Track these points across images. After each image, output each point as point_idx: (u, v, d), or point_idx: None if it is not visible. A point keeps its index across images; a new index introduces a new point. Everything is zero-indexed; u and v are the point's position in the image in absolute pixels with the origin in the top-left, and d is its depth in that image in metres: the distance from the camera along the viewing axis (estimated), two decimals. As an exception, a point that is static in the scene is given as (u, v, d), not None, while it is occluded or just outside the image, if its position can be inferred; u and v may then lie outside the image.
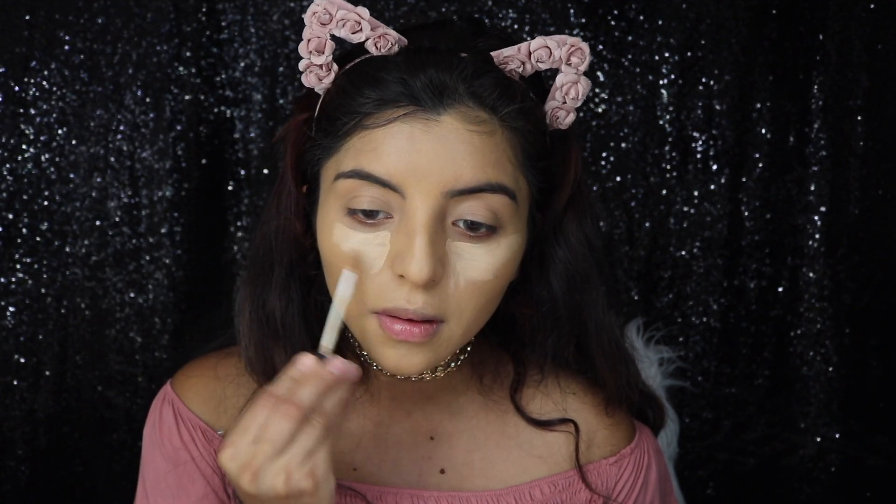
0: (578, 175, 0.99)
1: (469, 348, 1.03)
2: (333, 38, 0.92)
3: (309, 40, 0.92)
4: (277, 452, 0.83)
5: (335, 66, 0.94)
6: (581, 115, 1.56)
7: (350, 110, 0.90)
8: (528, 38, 1.49)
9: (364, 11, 0.91)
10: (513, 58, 0.93)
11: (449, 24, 0.98)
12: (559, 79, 0.94)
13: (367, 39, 0.92)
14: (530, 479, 1.03)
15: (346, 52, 0.96)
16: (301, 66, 0.93)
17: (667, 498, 1.12)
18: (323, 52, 0.92)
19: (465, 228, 0.90)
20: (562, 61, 0.93)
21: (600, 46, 1.55)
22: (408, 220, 0.89)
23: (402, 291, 0.90)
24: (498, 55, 0.93)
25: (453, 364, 1.02)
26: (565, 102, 0.94)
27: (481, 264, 0.91)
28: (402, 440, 1.03)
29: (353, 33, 0.92)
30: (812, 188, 1.58)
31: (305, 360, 0.87)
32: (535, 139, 0.93)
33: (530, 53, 0.93)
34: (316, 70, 0.93)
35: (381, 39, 0.92)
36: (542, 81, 0.97)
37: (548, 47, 0.92)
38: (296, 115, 0.98)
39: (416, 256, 0.88)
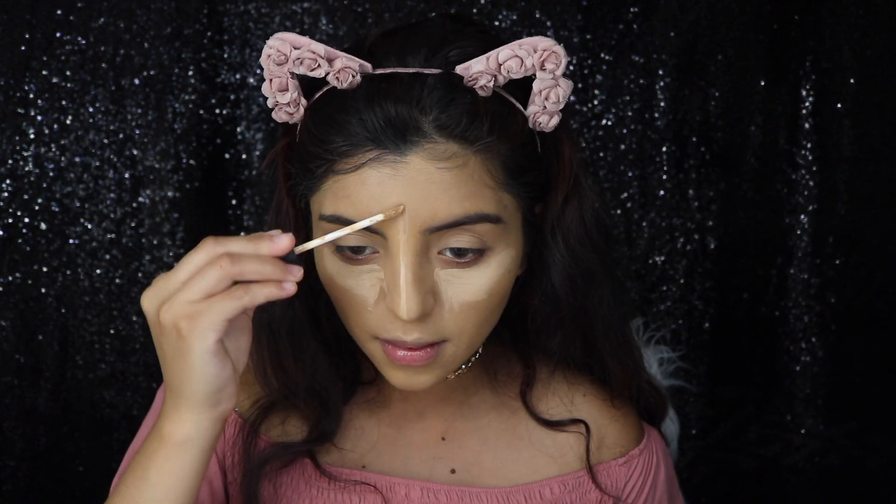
0: (574, 169, 0.96)
1: (480, 349, 1.03)
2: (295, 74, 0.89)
3: (271, 80, 0.89)
4: (184, 283, 0.81)
5: (303, 101, 0.91)
6: (578, 108, 1.57)
7: (318, 155, 0.88)
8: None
9: (319, 46, 0.87)
10: (482, 73, 0.88)
11: (423, 29, 0.93)
12: (536, 85, 0.89)
13: (327, 74, 0.88)
14: (541, 478, 1.04)
15: (310, 81, 0.92)
16: (269, 104, 0.91)
17: (674, 499, 1.12)
18: (287, 90, 0.89)
19: (453, 256, 0.88)
20: (535, 68, 0.88)
21: (598, 48, 1.57)
22: (392, 259, 0.87)
23: (398, 323, 0.89)
24: (466, 70, 0.88)
25: (464, 366, 1.02)
26: (546, 107, 0.90)
27: (473, 287, 0.90)
28: (413, 441, 1.04)
29: (311, 70, 0.87)
30: (801, 189, 1.60)
31: (283, 239, 0.82)
32: (515, 154, 0.89)
33: (500, 66, 0.88)
34: (284, 108, 0.91)
35: (341, 73, 0.87)
36: (525, 80, 0.91)
37: (518, 57, 0.87)
38: (282, 138, 0.96)
39: (403, 297, 0.86)
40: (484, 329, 0.94)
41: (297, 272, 0.83)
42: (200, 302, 0.80)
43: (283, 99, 0.90)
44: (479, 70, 0.87)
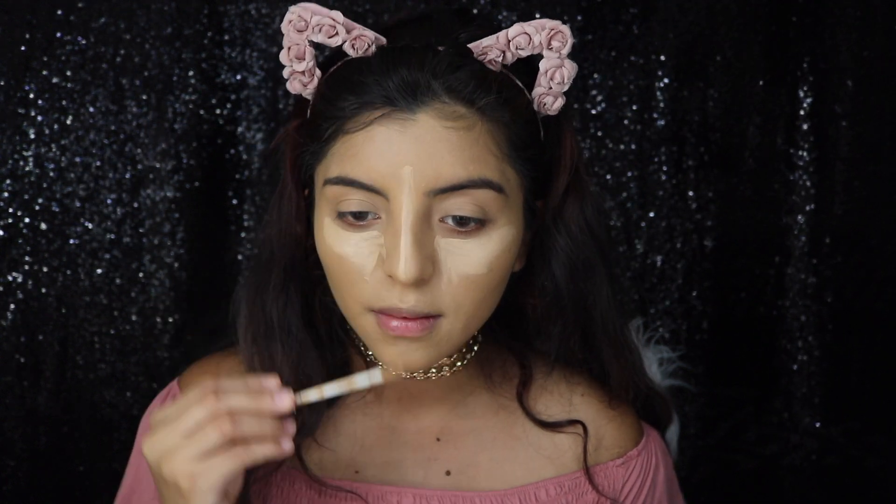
0: (575, 159, 0.98)
1: (476, 347, 1.03)
2: (313, 43, 0.92)
3: (289, 48, 0.92)
4: (184, 438, 0.83)
5: (318, 72, 0.93)
6: (576, 105, 1.57)
7: (330, 115, 0.90)
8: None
9: (338, 15, 0.90)
10: (492, 47, 0.91)
11: (431, 17, 0.97)
12: (542, 64, 0.92)
13: (343, 42, 0.91)
14: (537, 479, 1.04)
15: (329, 56, 0.95)
16: (285, 73, 0.93)
17: (674, 499, 1.12)
18: (303, 59, 0.92)
19: (454, 224, 0.90)
20: (543, 46, 0.91)
21: (598, 48, 1.57)
22: (393, 221, 0.89)
23: (395, 291, 0.89)
24: (476, 46, 0.91)
25: (460, 363, 1.02)
26: (551, 88, 0.93)
27: (473, 259, 0.90)
28: (408, 441, 1.03)
29: (329, 38, 0.91)
30: (799, 189, 1.61)
31: (272, 381, 0.86)
32: (520, 129, 0.92)
33: (509, 41, 0.91)
34: (299, 77, 0.93)
35: (357, 41, 0.91)
36: (530, 66, 0.94)
37: (526, 33, 0.91)
38: (291, 121, 0.98)
39: (402, 257, 0.87)
40: (481, 310, 0.94)
41: (291, 429, 0.85)
42: (200, 461, 0.82)
43: (299, 67, 0.92)
44: (489, 45, 0.91)
